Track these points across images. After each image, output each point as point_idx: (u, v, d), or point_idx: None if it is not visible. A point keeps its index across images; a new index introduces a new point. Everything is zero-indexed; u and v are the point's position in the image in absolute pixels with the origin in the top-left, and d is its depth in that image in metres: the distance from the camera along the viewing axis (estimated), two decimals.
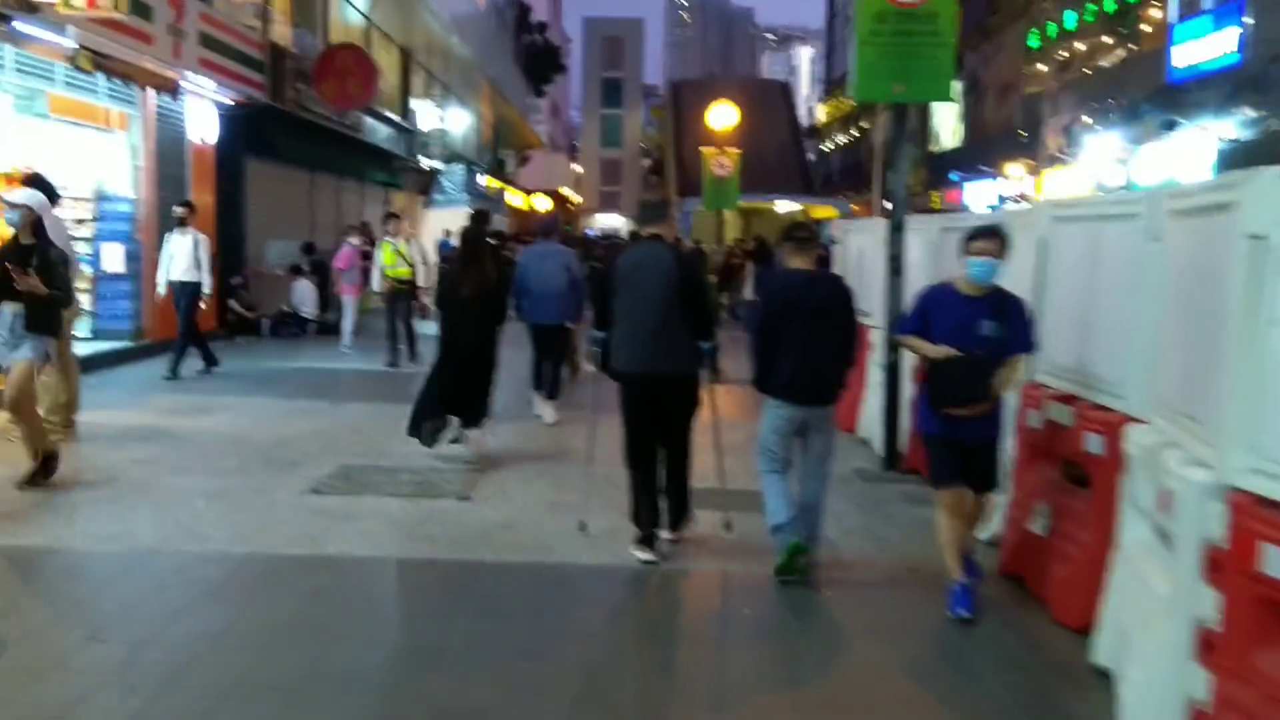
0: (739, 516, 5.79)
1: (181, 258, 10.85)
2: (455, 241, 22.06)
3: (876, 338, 8.38)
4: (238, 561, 5.12)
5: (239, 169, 15.53)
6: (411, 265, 12.47)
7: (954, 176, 32.25)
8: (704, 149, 22.37)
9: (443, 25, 25.26)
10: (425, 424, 7.34)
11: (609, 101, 79.14)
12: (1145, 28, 23.96)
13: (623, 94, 79.41)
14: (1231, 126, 19.13)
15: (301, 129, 17.68)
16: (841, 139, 51.50)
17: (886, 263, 7.63)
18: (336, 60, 17.68)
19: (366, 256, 14.01)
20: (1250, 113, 18.79)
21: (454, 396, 7.33)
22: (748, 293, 20.68)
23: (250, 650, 4.10)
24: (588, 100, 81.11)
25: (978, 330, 4.73)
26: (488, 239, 8.46)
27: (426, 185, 27.20)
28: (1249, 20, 18.78)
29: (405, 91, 25.57)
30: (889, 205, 29.12)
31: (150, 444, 7.69)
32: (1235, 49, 19.04)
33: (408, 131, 24.96)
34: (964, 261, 4.80)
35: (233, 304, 15.12)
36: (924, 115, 36.62)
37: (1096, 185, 22.45)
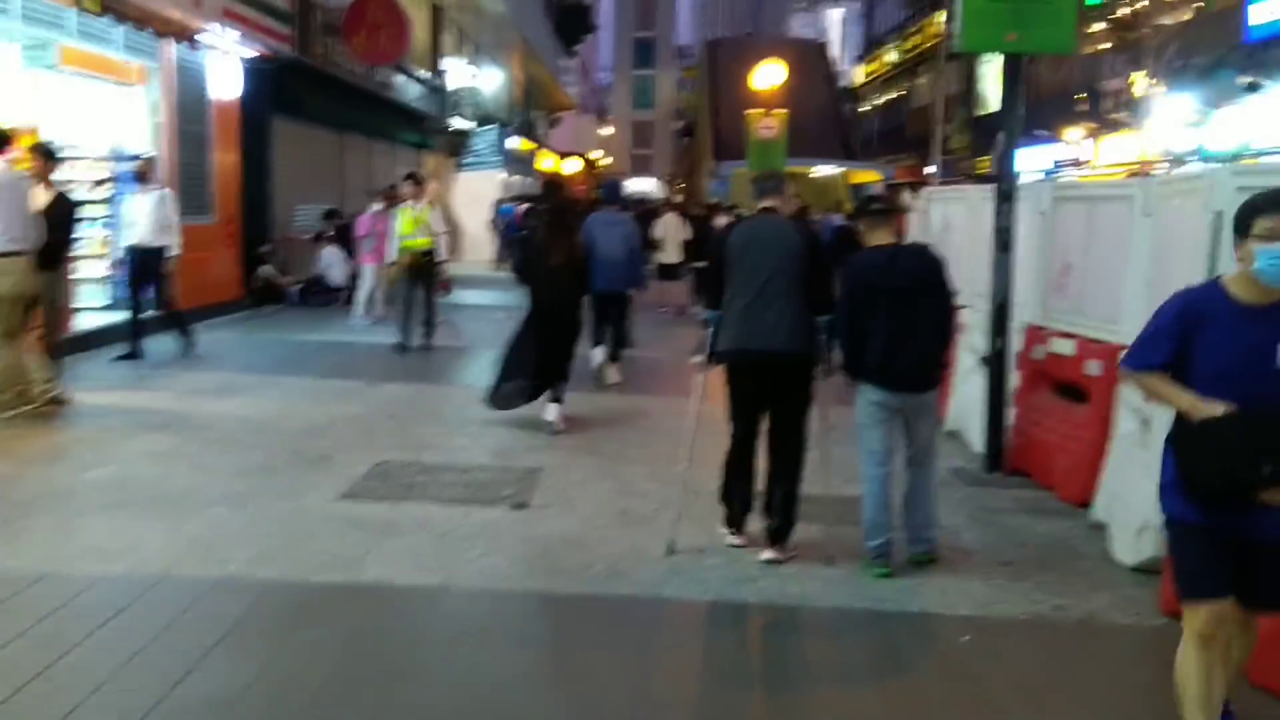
0: (844, 532, 4.97)
1: (142, 219, 9.59)
2: (516, 207, 21.29)
3: (969, 318, 7.50)
4: (260, 590, 4.32)
5: (265, 127, 14.68)
6: (433, 235, 11.11)
7: None
8: (749, 110, 21.32)
9: None
10: (506, 386, 7.33)
11: (641, 62, 77.66)
12: None
13: (654, 54, 77.84)
14: None
15: (330, 86, 16.82)
16: (880, 101, 49.90)
17: (994, 236, 6.70)
18: (368, 12, 16.80)
19: None
20: None
21: (549, 364, 7.33)
22: None
23: None
24: (619, 61, 79.54)
25: (1272, 361, 2.99)
26: (574, 207, 8.53)
27: (458, 147, 26.27)
28: None
29: (436, 49, 24.62)
30: (932, 168, 27.75)
31: (166, 433, 6.91)
32: None
33: (439, 91, 24.03)
34: (1245, 250, 3.02)
35: (263, 271, 14.42)
36: (970, 76, 35.22)
37: (1165, 151, 21.28)
